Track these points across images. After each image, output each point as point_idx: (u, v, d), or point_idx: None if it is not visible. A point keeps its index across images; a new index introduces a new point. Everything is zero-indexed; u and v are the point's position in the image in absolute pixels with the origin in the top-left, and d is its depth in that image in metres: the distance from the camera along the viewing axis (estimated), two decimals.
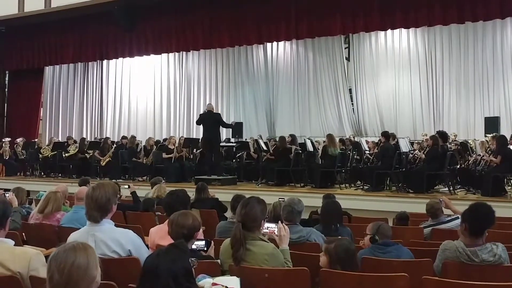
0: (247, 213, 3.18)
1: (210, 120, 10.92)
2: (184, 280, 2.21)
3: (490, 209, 3.42)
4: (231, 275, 3.04)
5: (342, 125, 17.46)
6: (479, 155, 9.90)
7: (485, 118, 14.72)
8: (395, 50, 16.83)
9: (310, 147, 10.80)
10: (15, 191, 5.70)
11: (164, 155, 11.82)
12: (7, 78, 16.97)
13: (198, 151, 12.10)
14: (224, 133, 14.27)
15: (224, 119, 12.49)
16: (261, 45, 17.33)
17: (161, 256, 2.26)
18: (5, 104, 16.88)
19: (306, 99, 17.97)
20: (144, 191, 7.76)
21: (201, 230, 3.47)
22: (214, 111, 11.83)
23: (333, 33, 12.47)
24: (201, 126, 11.39)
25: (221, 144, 12.13)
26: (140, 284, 2.27)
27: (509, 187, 9.18)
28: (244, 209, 3.20)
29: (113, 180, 9.79)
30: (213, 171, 10.85)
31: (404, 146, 9.88)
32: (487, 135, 11.86)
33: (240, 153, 12.33)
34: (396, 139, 10.61)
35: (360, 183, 10.47)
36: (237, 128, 15.08)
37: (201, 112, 13.29)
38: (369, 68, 17.24)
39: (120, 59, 16.69)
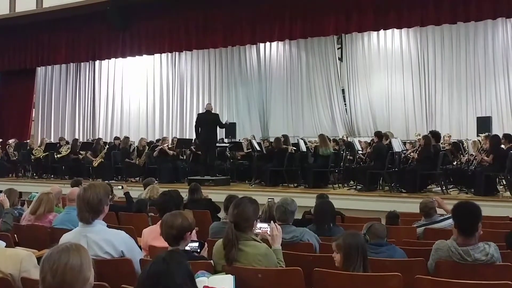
0: (240, 213, 3.17)
1: (208, 120, 10.90)
2: (190, 284, 2.16)
3: (474, 205, 3.44)
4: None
5: (335, 125, 17.48)
6: (472, 154, 9.94)
7: (477, 118, 14.77)
8: (387, 50, 16.86)
9: (303, 147, 10.81)
10: (7, 192, 5.67)
11: (156, 153, 11.77)
12: None
13: (189, 149, 12.08)
14: (218, 133, 14.24)
15: None
16: (254, 46, 17.34)
17: (167, 260, 2.13)
18: None
19: (299, 99, 17.97)
20: (137, 192, 7.73)
21: (194, 231, 3.44)
22: (212, 112, 11.71)
23: (326, 33, 12.47)
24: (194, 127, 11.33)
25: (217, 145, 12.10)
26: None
27: (501, 187, 9.22)
28: (237, 209, 3.18)
29: (106, 181, 9.75)
30: (206, 171, 10.83)
31: (397, 146, 9.90)
32: (480, 134, 11.90)
33: (231, 153, 12.33)
34: (388, 139, 10.63)
35: (353, 183, 10.48)
36: (230, 129, 15.05)
37: (197, 112, 13.18)
38: (361, 68, 17.28)
39: (113, 59, 16.63)
